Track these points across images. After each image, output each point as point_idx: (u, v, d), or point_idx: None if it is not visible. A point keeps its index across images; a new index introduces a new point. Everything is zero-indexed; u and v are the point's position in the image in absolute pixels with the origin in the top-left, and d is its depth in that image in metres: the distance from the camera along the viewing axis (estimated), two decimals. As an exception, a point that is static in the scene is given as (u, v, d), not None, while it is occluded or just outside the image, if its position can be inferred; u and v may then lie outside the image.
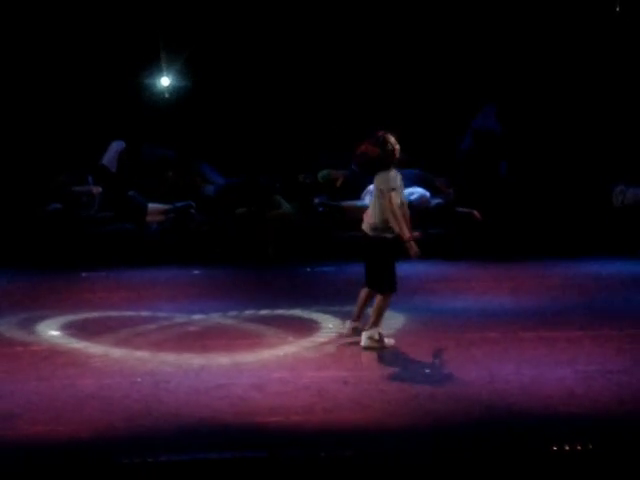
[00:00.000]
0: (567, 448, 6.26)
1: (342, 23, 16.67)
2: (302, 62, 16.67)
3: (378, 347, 8.81)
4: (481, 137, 16.47)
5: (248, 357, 8.56)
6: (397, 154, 8.90)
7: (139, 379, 7.88)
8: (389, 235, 8.81)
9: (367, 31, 16.71)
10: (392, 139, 8.89)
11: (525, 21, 16.76)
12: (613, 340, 8.98)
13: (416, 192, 14.77)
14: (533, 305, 10.78)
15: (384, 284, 8.88)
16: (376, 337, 8.85)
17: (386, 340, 8.91)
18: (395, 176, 8.85)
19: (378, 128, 9.06)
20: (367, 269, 9.00)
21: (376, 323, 8.89)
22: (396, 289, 8.90)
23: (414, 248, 8.79)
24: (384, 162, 8.84)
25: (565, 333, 9.30)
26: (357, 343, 8.95)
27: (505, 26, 16.76)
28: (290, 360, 8.51)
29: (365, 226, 8.98)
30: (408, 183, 14.23)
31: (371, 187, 9.60)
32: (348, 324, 9.24)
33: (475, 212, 14.71)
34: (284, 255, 14.07)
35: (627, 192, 15.14)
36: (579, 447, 6.28)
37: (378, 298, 8.92)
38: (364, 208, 9.77)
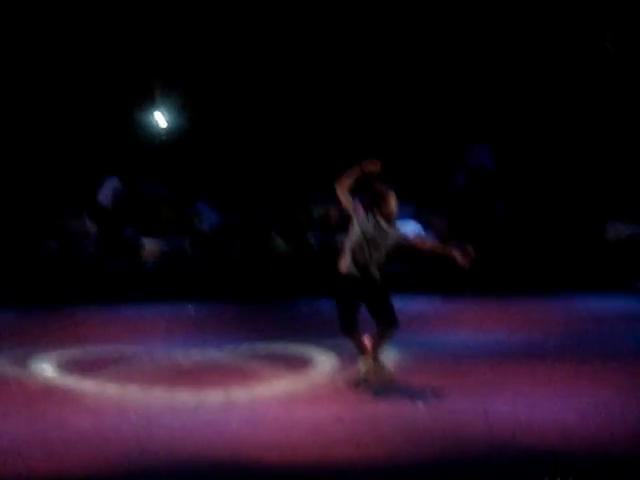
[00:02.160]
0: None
1: (333, 62, 16.77)
2: (295, 101, 16.77)
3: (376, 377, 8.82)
4: (475, 174, 16.56)
5: (242, 393, 8.54)
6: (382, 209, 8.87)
7: (134, 416, 7.86)
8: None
9: (361, 70, 16.81)
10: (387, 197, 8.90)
11: (518, 61, 16.88)
12: (608, 375, 8.97)
13: (410, 228, 14.79)
14: (528, 340, 10.78)
15: (393, 314, 8.81)
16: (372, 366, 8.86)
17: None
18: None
19: (374, 166, 9.01)
20: (374, 306, 8.85)
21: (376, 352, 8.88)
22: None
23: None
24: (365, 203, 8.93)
25: (560, 368, 9.29)
26: (351, 379, 8.92)
27: (499, 66, 16.88)
28: (284, 396, 8.49)
29: (374, 272, 8.86)
30: (401, 219, 14.33)
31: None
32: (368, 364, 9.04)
33: (469, 248, 14.71)
34: (280, 291, 14.07)
35: (619, 227, 15.20)
36: (573, 482, 6.28)
37: (389, 331, 8.82)
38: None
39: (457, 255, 8.96)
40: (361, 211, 8.75)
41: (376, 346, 8.84)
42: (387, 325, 8.79)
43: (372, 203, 8.84)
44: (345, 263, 8.77)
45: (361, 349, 8.86)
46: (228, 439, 7.21)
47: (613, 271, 14.16)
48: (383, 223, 8.79)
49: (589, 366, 9.35)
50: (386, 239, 8.79)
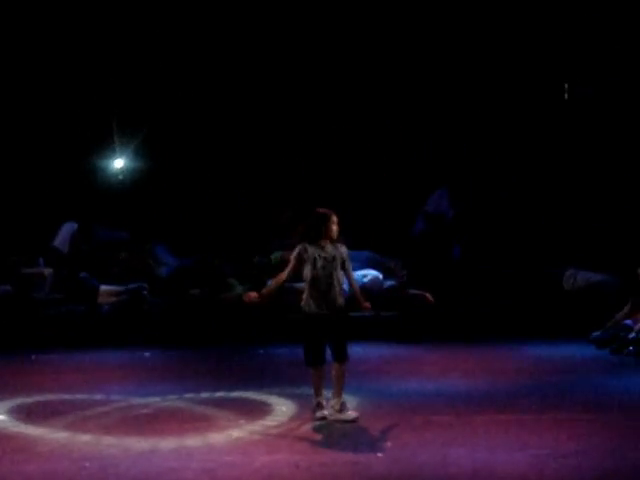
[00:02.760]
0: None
1: (292, 104, 16.86)
2: (254, 143, 16.82)
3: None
4: (433, 220, 16.64)
5: (199, 441, 8.46)
6: (322, 232, 9.12)
7: (87, 464, 7.73)
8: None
9: (322, 113, 16.91)
10: (324, 218, 9.14)
11: (479, 105, 17.05)
12: (565, 424, 8.98)
13: (369, 274, 14.84)
14: (485, 388, 10.77)
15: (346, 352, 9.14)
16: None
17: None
18: (303, 249, 9.10)
19: (331, 211, 9.23)
20: (337, 343, 9.08)
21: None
22: None
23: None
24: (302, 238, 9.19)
25: (517, 416, 9.29)
26: (309, 426, 8.90)
27: (456, 111, 17.03)
28: (241, 444, 8.41)
29: (339, 301, 9.10)
30: (360, 265, 14.37)
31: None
32: (331, 406, 9.19)
33: (427, 294, 14.79)
34: (237, 337, 14.01)
35: (577, 276, 15.31)
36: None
37: (343, 368, 9.09)
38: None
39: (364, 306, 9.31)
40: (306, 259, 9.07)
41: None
42: (340, 360, 9.07)
43: (314, 235, 9.11)
44: (305, 301, 9.11)
45: (317, 386, 9.10)
46: (184, 487, 7.12)
47: (569, 319, 14.23)
48: (329, 248, 9.09)
49: (548, 415, 9.35)
50: (335, 262, 9.09)
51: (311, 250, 9.10)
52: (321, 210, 9.28)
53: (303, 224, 9.29)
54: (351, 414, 9.11)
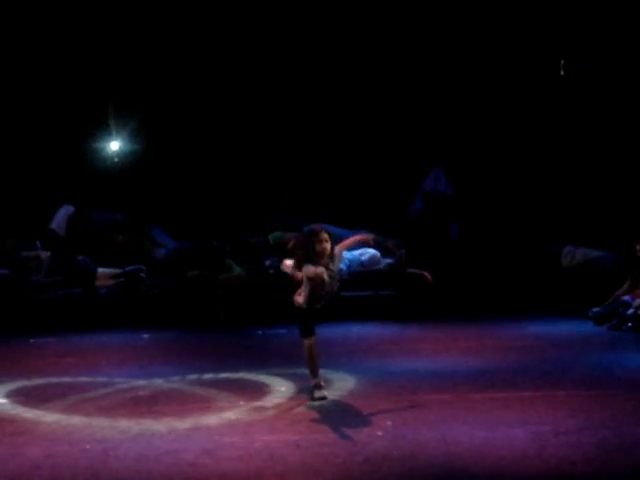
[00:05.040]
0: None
1: (291, 88, 16.83)
2: (251, 124, 16.77)
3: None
4: (431, 199, 16.62)
5: (199, 422, 8.46)
6: (315, 251, 9.04)
7: (87, 446, 7.74)
8: None
9: (319, 95, 16.87)
10: (310, 237, 9.11)
11: (474, 84, 17.02)
12: (565, 400, 8.99)
13: (367, 253, 14.83)
14: (484, 366, 10.78)
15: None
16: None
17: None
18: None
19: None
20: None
21: None
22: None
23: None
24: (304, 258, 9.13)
25: (517, 394, 9.29)
26: (308, 406, 8.91)
27: (455, 90, 17.00)
28: (241, 424, 8.42)
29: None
30: (359, 244, 14.35)
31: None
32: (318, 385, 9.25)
33: (426, 273, 14.78)
34: (235, 318, 14.01)
35: (575, 252, 15.31)
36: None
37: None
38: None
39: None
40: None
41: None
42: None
43: (312, 256, 9.06)
44: (304, 299, 9.10)
45: (313, 366, 9.17)
46: (184, 469, 7.12)
47: (568, 296, 14.23)
48: (329, 264, 9.06)
49: (547, 392, 9.36)
50: (335, 280, 9.12)
51: (315, 268, 9.03)
52: (308, 230, 9.33)
53: (299, 250, 9.27)
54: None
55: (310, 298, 9.08)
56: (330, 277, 9.03)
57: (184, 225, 16.16)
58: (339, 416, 8.65)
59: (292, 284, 9.31)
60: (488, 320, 13.81)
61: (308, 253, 9.07)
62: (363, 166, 17.01)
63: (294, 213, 15.74)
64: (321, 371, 9.29)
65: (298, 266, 9.21)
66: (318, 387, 9.15)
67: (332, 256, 9.11)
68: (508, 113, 17.09)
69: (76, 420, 8.59)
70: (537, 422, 8.22)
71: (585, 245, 15.39)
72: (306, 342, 9.18)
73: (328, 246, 9.06)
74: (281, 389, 9.70)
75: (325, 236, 9.08)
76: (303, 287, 9.17)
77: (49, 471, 7.11)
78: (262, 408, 8.96)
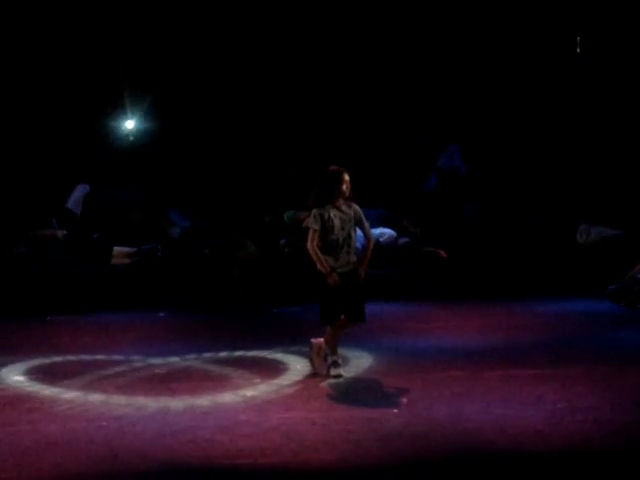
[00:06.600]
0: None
1: (303, 67, 16.77)
2: (264, 103, 16.74)
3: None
4: (446, 177, 16.58)
5: (215, 400, 8.50)
6: (335, 192, 9.03)
7: (104, 423, 7.79)
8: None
9: (332, 74, 16.81)
10: (335, 177, 9.04)
11: (489, 62, 16.93)
12: (580, 378, 8.99)
13: (385, 233, 14.85)
14: (500, 343, 10.78)
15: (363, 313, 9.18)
16: None
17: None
18: (319, 215, 8.99)
19: (342, 169, 9.16)
20: (353, 303, 9.08)
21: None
22: None
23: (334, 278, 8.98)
24: (315, 199, 9.09)
25: (532, 371, 9.29)
26: (324, 384, 8.94)
27: (470, 67, 16.92)
28: (257, 402, 8.45)
29: (354, 259, 9.10)
30: (375, 223, 14.34)
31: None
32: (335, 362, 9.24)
33: (441, 251, 14.77)
34: (251, 296, 14.03)
35: (591, 230, 15.27)
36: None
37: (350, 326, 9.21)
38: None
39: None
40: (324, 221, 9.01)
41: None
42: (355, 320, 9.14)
43: (327, 196, 9.03)
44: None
45: (332, 345, 9.14)
46: (201, 445, 7.15)
47: (584, 274, 14.19)
48: (344, 207, 9.06)
49: (563, 370, 9.36)
50: (352, 221, 9.09)
51: (326, 212, 9.03)
52: (332, 168, 9.19)
53: (315, 185, 9.19)
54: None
55: (329, 257, 8.96)
56: (341, 220, 9.00)
57: (199, 203, 16.15)
58: (355, 394, 8.68)
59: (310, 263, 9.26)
60: (503, 298, 13.77)
61: (326, 192, 9.03)
62: (378, 144, 16.96)
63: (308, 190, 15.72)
64: (338, 349, 9.30)
65: (313, 205, 9.11)
66: (335, 365, 9.16)
67: (349, 199, 9.11)
68: (525, 90, 17.00)
69: (93, 397, 8.64)
70: (552, 399, 8.23)
71: (601, 223, 15.33)
72: (327, 329, 9.18)
73: (348, 188, 9.09)
74: (297, 367, 9.72)
75: (348, 178, 9.10)
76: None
77: (66, 447, 7.16)
78: (278, 386, 8.99)
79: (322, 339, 9.22)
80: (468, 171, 16.76)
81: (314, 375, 9.27)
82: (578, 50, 17.16)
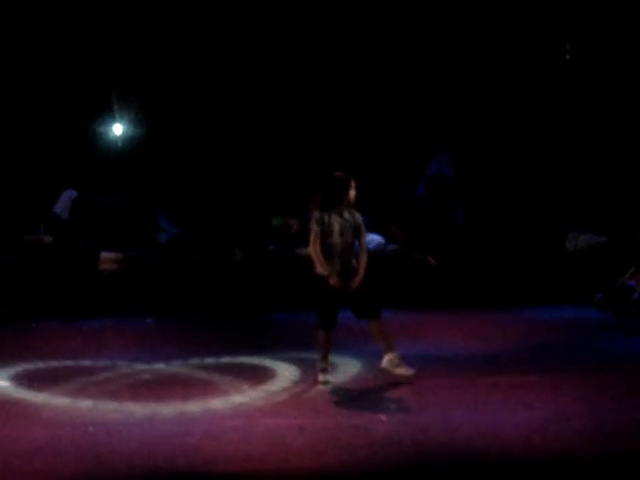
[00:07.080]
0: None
1: (295, 73, 16.78)
2: (254, 109, 16.74)
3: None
4: (435, 184, 16.59)
5: (202, 406, 8.46)
6: (341, 198, 9.04)
7: (91, 429, 7.74)
8: None
9: (324, 80, 16.83)
10: (343, 183, 9.05)
11: (477, 70, 16.97)
12: (568, 386, 8.99)
13: (373, 240, 14.84)
14: (488, 351, 10.78)
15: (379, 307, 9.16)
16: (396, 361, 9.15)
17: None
18: (320, 218, 9.01)
19: (350, 177, 9.17)
20: (362, 302, 9.09)
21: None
22: None
23: (335, 279, 8.97)
24: (320, 203, 9.11)
25: (521, 379, 9.29)
26: (312, 390, 8.91)
27: (459, 76, 16.96)
28: (245, 408, 8.42)
29: (354, 264, 9.11)
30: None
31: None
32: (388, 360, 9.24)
33: (430, 258, 14.77)
34: (238, 303, 14.00)
35: (580, 237, 15.30)
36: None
37: (378, 323, 9.16)
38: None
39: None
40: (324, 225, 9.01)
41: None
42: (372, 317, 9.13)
43: (333, 202, 9.05)
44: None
45: (324, 351, 9.13)
46: (187, 452, 7.12)
47: (573, 282, 14.21)
48: (346, 214, 9.08)
49: (551, 377, 9.36)
50: (352, 229, 9.08)
51: (328, 217, 9.02)
52: (340, 175, 9.17)
53: (320, 189, 9.18)
54: (408, 370, 9.15)
55: (325, 252, 8.96)
56: (341, 226, 9.02)
57: (187, 209, 16.13)
58: (343, 400, 8.66)
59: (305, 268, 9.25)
60: (491, 305, 13.79)
61: (332, 197, 9.04)
62: (368, 152, 16.97)
63: (298, 197, 15.69)
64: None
65: (317, 208, 9.11)
66: (324, 371, 9.14)
67: (351, 206, 9.13)
68: (513, 96, 17.03)
69: (79, 403, 8.59)
70: (540, 407, 8.22)
71: (589, 232, 15.36)
72: (321, 334, 9.17)
73: (355, 195, 9.13)
74: (285, 373, 9.70)
75: (355, 184, 9.16)
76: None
77: (53, 453, 7.12)
78: (266, 392, 8.97)
79: (387, 355, 9.20)
80: (457, 179, 16.77)
81: (302, 382, 9.24)
82: (567, 57, 17.20)
